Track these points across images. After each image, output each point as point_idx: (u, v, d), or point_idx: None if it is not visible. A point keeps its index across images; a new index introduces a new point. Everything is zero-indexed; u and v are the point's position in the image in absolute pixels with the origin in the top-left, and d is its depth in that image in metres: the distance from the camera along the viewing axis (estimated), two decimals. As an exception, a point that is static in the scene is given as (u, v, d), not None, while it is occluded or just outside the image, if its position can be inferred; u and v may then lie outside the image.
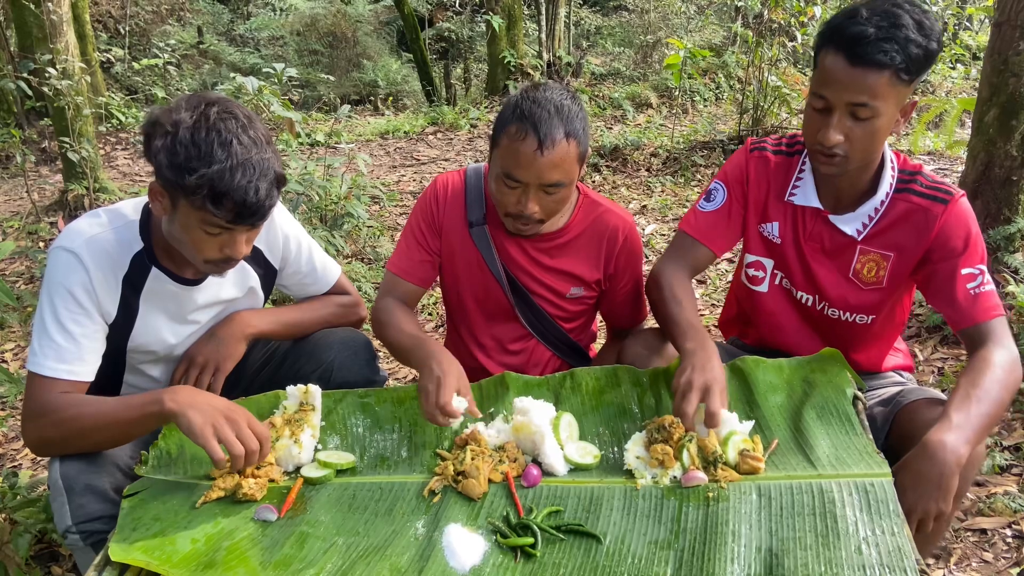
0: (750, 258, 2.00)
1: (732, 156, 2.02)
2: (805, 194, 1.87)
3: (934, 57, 1.62)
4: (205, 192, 1.53)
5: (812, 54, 1.71)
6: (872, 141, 1.67)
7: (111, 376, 1.92)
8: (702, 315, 3.82)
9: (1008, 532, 2.20)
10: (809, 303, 1.94)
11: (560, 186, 1.82)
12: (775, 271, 1.98)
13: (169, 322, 1.87)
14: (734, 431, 1.62)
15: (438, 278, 2.15)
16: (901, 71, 1.58)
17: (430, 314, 3.99)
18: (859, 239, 1.83)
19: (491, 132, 1.89)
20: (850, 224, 1.83)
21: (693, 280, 4.04)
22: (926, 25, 1.59)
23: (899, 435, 1.74)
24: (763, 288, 2.00)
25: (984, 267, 1.74)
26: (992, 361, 1.62)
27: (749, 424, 1.66)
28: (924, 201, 1.77)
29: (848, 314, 1.91)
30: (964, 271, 1.73)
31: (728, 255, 4.20)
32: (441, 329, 2.22)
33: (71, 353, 1.67)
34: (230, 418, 1.59)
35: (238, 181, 1.53)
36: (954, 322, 1.75)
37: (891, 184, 1.80)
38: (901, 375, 2.06)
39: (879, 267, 1.84)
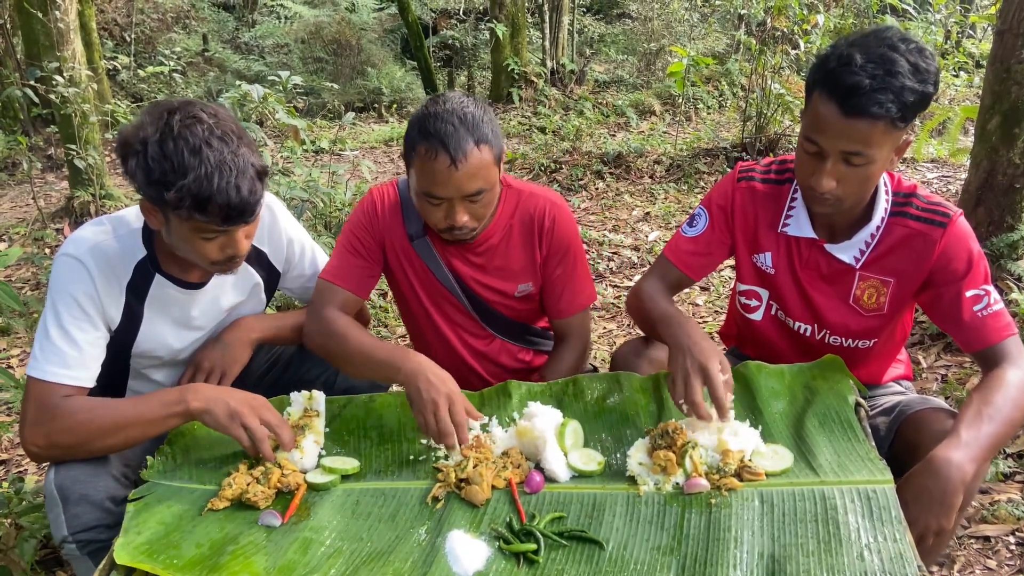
0: (743, 287, 2.00)
1: (720, 182, 2.00)
2: (799, 224, 1.85)
3: (930, 99, 1.58)
4: (188, 203, 1.53)
5: (807, 80, 1.69)
6: (865, 184, 1.65)
7: (115, 381, 1.93)
8: (704, 322, 3.82)
9: (1011, 540, 2.20)
10: (808, 333, 1.93)
11: (483, 192, 1.80)
12: (770, 301, 1.97)
13: (174, 328, 1.88)
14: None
15: (390, 291, 2.12)
16: (896, 120, 1.54)
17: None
18: (857, 266, 1.82)
19: (403, 150, 1.86)
20: (847, 252, 1.81)
21: (696, 286, 4.03)
22: (921, 68, 1.54)
23: (903, 445, 1.74)
24: (757, 316, 2.00)
25: (989, 287, 1.72)
26: (1006, 380, 1.61)
27: (755, 433, 1.66)
28: (921, 225, 1.74)
29: (849, 340, 1.90)
30: (969, 293, 1.70)
31: (730, 262, 4.21)
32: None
33: (74, 359, 1.68)
34: (252, 407, 1.66)
35: (217, 185, 1.53)
36: (966, 345, 1.73)
37: (886, 209, 1.78)
38: (901, 384, 2.06)
39: (879, 293, 1.82)
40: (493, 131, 1.79)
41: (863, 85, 1.52)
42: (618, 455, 1.71)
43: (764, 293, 1.97)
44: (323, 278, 2.00)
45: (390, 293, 2.13)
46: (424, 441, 1.77)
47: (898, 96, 1.52)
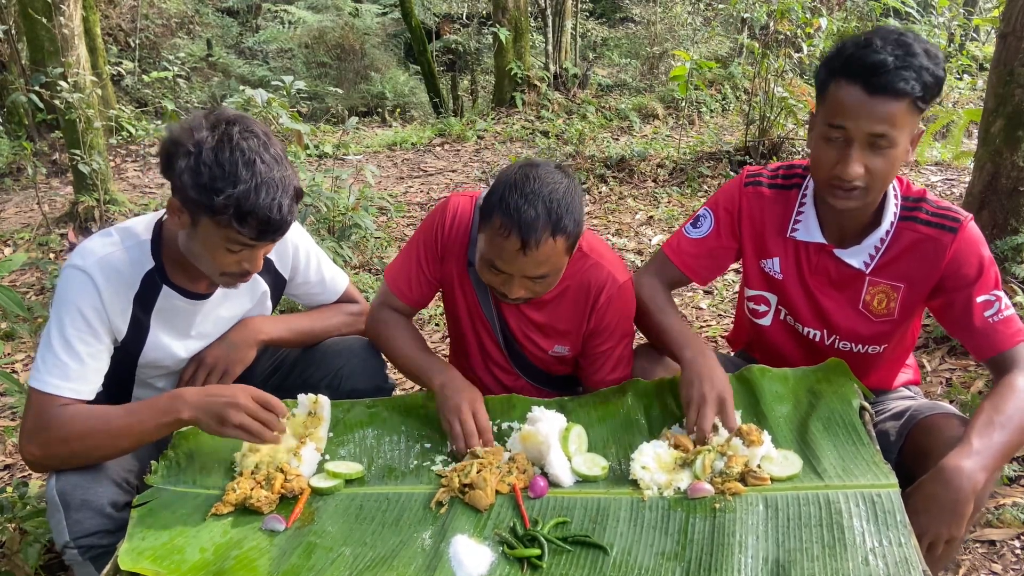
0: (750, 292, 1.99)
1: (726, 185, 1.99)
2: (808, 229, 1.84)
3: (942, 84, 1.61)
4: (231, 212, 1.55)
5: (818, 78, 1.69)
6: (891, 171, 1.64)
7: (121, 390, 1.93)
8: (708, 326, 3.81)
9: (1017, 544, 2.19)
10: (817, 338, 1.92)
11: (546, 277, 1.75)
12: (779, 307, 1.96)
13: (180, 338, 1.89)
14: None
15: (434, 303, 2.12)
16: (918, 99, 1.56)
17: (437, 324, 4.00)
18: (867, 271, 1.81)
19: (484, 199, 1.77)
20: (856, 257, 1.80)
21: (700, 289, 4.01)
22: (933, 53, 1.58)
23: (913, 450, 1.73)
24: (766, 322, 1.99)
25: (1000, 292, 1.71)
26: (1018, 387, 1.60)
27: (767, 439, 1.66)
28: (932, 230, 1.73)
29: (859, 346, 1.89)
30: (980, 299, 1.69)
31: (735, 266, 4.21)
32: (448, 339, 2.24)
33: (75, 372, 1.68)
34: (236, 404, 1.64)
35: (262, 199, 1.56)
36: (977, 351, 1.72)
37: (895, 213, 1.77)
38: (910, 389, 2.05)
39: (889, 299, 1.81)
40: (575, 220, 1.71)
41: (888, 62, 1.54)
42: (622, 460, 1.71)
43: (772, 298, 1.96)
44: (387, 282, 2.01)
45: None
46: (435, 448, 1.77)
47: (919, 75, 1.55)
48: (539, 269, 1.71)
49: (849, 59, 1.59)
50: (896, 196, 1.78)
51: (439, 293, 2.10)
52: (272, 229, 1.61)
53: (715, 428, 1.68)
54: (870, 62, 1.55)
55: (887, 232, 1.77)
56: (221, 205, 1.55)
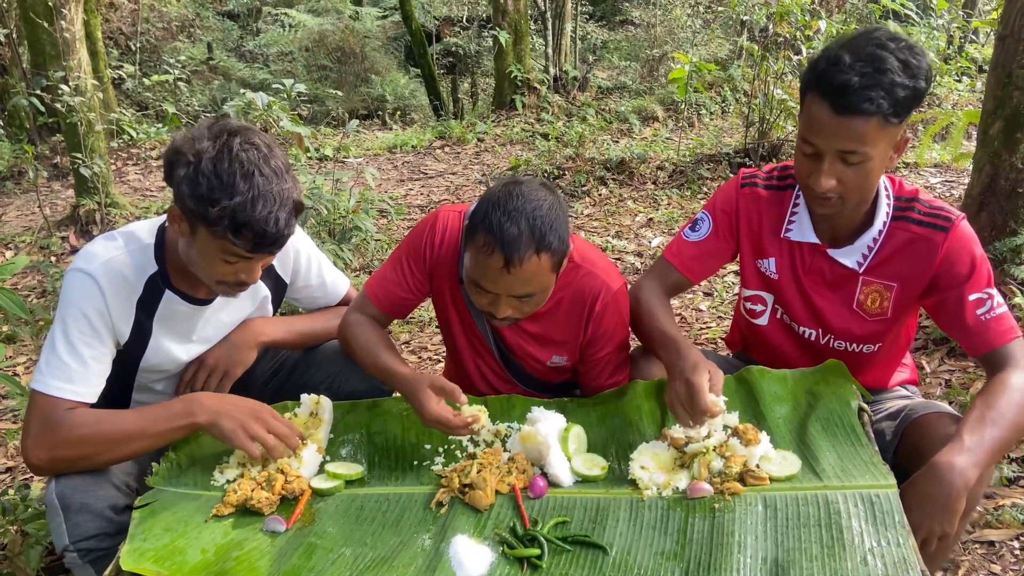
0: (747, 292, 2.00)
1: (723, 187, 2.00)
2: (801, 229, 1.85)
3: (923, 95, 1.59)
4: (227, 223, 1.55)
5: (801, 85, 1.70)
6: (865, 182, 1.65)
7: (120, 394, 1.93)
8: (708, 327, 3.82)
9: (1016, 544, 2.19)
10: (812, 337, 1.93)
11: (532, 296, 1.73)
12: (775, 306, 1.97)
13: (182, 342, 1.89)
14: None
15: (431, 307, 2.09)
16: (889, 115, 1.55)
17: (437, 327, 4.01)
18: (860, 271, 1.82)
19: (468, 218, 1.75)
20: (849, 257, 1.81)
21: (700, 292, 4.01)
22: (912, 64, 1.55)
23: (908, 449, 1.73)
24: (763, 321, 2.00)
25: (992, 290, 1.72)
26: (1010, 384, 1.60)
27: (765, 439, 1.67)
28: (924, 230, 1.74)
29: (854, 345, 1.90)
30: (972, 297, 1.70)
31: (735, 268, 4.21)
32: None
33: (79, 374, 1.68)
34: (257, 417, 1.68)
35: (259, 212, 1.56)
36: (970, 349, 1.73)
37: (887, 213, 1.78)
38: (907, 389, 2.06)
39: (883, 298, 1.82)
40: (560, 238, 1.68)
41: (852, 83, 1.53)
42: (621, 460, 1.72)
43: (769, 298, 1.97)
44: (366, 289, 1.98)
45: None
46: (435, 448, 1.77)
47: (889, 92, 1.53)
48: (524, 288, 1.69)
49: (819, 76, 1.59)
50: (888, 196, 1.79)
51: (431, 305, 2.08)
52: (268, 242, 1.61)
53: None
54: (836, 83, 1.55)
55: (880, 232, 1.78)
56: (216, 216, 1.55)
